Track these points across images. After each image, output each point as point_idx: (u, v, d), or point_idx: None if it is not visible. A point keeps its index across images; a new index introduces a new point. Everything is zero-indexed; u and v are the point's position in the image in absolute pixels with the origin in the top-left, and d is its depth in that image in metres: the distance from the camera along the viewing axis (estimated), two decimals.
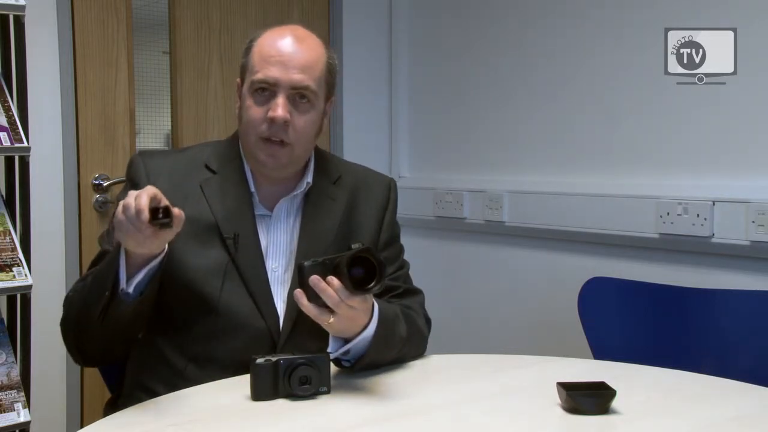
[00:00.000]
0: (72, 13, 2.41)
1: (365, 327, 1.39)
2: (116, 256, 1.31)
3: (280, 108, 1.46)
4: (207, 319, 1.46)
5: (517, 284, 2.60)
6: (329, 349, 1.38)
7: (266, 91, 1.48)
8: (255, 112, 1.48)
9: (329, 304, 1.30)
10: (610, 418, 1.24)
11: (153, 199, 1.25)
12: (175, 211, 1.24)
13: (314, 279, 1.29)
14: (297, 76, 1.47)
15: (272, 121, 1.46)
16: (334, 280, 1.29)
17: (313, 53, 1.50)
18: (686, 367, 1.52)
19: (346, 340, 1.40)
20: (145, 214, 1.22)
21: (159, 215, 1.22)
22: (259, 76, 1.47)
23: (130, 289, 1.33)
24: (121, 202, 1.25)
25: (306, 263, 1.32)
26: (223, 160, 1.56)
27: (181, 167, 1.55)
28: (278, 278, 1.53)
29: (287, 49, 1.48)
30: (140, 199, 1.23)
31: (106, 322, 1.36)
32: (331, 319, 1.31)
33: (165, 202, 1.26)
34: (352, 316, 1.33)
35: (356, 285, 1.28)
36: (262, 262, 1.51)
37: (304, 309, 1.32)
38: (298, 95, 1.48)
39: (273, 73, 1.46)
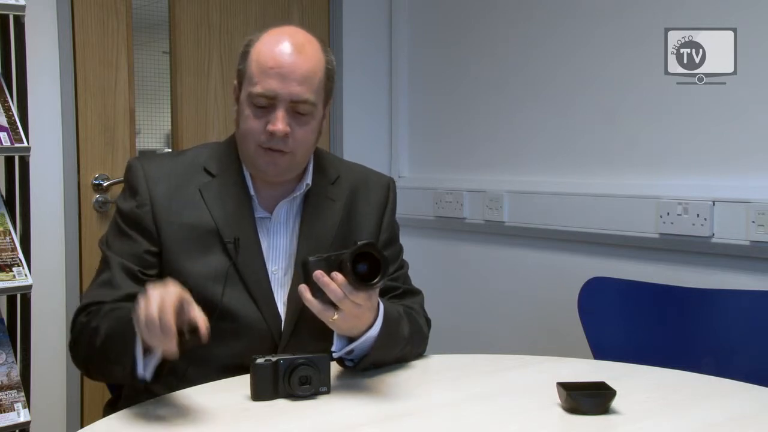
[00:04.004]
0: (72, 13, 2.41)
1: (370, 326, 1.39)
2: (133, 344, 1.25)
3: (279, 122, 1.45)
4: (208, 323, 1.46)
5: (517, 284, 2.60)
6: (333, 348, 1.38)
7: (265, 103, 1.46)
8: (254, 123, 1.47)
9: (333, 299, 1.29)
10: (610, 418, 1.24)
11: (178, 304, 1.18)
12: (202, 328, 1.18)
13: (318, 274, 1.28)
14: (296, 89, 1.45)
15: (272, 134, 1.45)
16: (338, 276, 1.28)
17: (312, 62, 1.48)
18: (686, 367, 1.52)
19: (350, 340, 1.39)
20: (173, 333, 1.16)
21: (185, 336, 1.17)
22: (258, 89, 1.45)
23: (147, 374, 1.28)
24: (143, 311, 1.17)
25: (311, 258, 1.31)
26: (221, 163, 1.55)
27: (179, 171, 1.53)
28: (278, 281, 1.53)
29: (286, 59, 1.45)
30: (165, 316, 1.15)
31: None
32: (335, 316, 1.31)
33: (192, 311, 1.20)
34: (357, 314, 1.33)
35: (360, 280, 1.28)
36: (263, 265, 1.51)
37: (307, 304, 1.31)
38: (297, 107, 1.47)
39: (272, 86, 1.44)
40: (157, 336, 1.17)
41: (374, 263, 1.29)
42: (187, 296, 1.22)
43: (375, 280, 1.28)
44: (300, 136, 1.48)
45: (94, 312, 1.41)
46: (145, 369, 1.27)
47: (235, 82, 1.54)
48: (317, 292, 1.30)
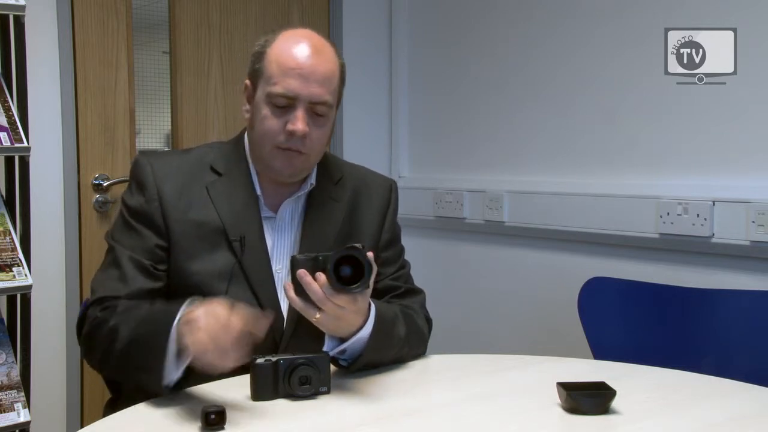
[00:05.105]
0: (72, 13, 2.41)
1: (361, 327, 1.39)
2: (163, 352, 1.26)
3: (299, 122, 1.45)
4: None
5: (517, 284, 2.60)
6: (325, 348, 1.38)
7: (284, 102, 1.47)
8: (272, 123, 1.47)
9: (313, 299, 1.30)
10: (610, 418, 1.24)
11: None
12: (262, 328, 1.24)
13: (300, 273, 1.30)
14: (317, 91, 1.46)
15: (291, 134, 1.46)
16: (321, 276, 1.29)
17: (331, 65, 1.49)
18: (686, 367, 1.51)
19: (342, 340, 1.40)
20: (240, 353, 1.20)
21: (211, 417, 1.17)
22: (278, 89, 1.46)
23: (173, 381, 1.30)
24: (211, 328, 1.20)
25: (299, 256, 1.33)
26: (228, 162, 1.56)
27: (186, 169, 1.54)
28: (281, 280, 1.53)
29: (306, 61, 1.46)
30: (234, 335, 1.20)
31: None
32: (318, 315, 1.32)
33: (258, 326, 1.24)
34: (340, 315, 1.33)
35: (343, 283, 1.28)
36: (268, 264, 1.51)
37: (290, 301, 1.33)
38: (315, 108, 1.48)
39: (293, 86, 1.45)
40: (224, 353, 1.19)
41: (360, 267, 1.29)
42: (251, 311, 1.25)
43: (355, 285, 1.28)
44: (316, 137, 1.49)
45: (111, 308, 1.40)
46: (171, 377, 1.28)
47: (248, 82, 1.55)
48: (301, 290, 1.31)
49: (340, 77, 1.53)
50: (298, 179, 1.55)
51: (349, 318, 1.36)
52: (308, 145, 1.48)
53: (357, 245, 1.30)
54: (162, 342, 1.25)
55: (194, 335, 1.21)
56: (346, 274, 1.29)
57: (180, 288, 1.46)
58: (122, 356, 1.33)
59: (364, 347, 1.40)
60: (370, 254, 1.32)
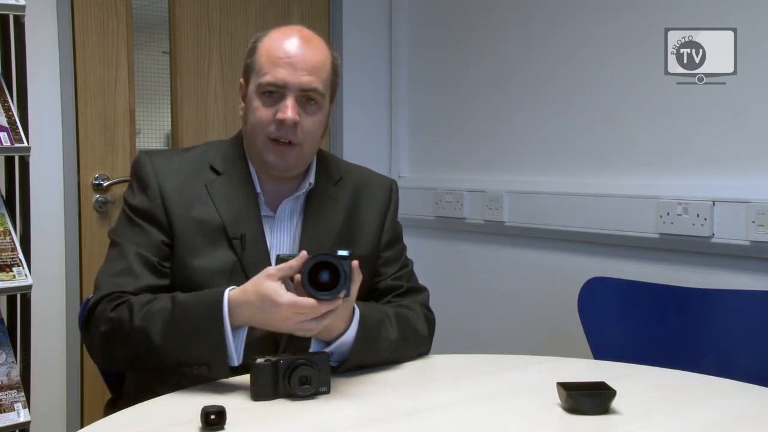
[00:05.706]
0: (72, 13, 2.41)
1: (345, 331, 1.40)
2: (221, 340, 1.32)
3: (289, 110, 1.46)
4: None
5: (517, 284, 2.60)
6: (311, 350, 1.39)
7: (274, 92, 1.48)
8: (263, 113, 1.48)
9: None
10: (610, 418, 1.24)
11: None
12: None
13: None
14: (306, 78, 1.47)
15: (281, 122, 1.46)
16: (298, 277, 1.30)
17: (321, 55, 1.51)
18: (686, 367, 1.51)
19: (328, 343, 1.40)
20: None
21: (211, 417, 1.17)
22: (268, 78, 1.47)
23: (240, 359, 1.35)
24: (298, 308, 1.28)
25: (283, 255, 1.34)
26: (227, 161, 1.56)
27: (186, 168, 1.54)
28: None
29: (295, 50, 1.47)
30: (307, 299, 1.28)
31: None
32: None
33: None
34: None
35: (319, 289, 1.28)
36: (268, 262, 1.51)
37: None
38: (305, 97, 1.48)
39: (282, 75, 1.46)
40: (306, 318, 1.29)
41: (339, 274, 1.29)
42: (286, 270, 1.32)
43: (325, 292, 1.28)
44: (308, 126, 1.49)
45: (124, 304, 1.39)
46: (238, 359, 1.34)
47: (241, 79, 1.56)
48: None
49: (332, 69, 1.53)
50: (294, 173, 1.55)
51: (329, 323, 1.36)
52: (300, 135, 1.48)
53: (343, 253, 1.29)
54: (211, 331, 1.32)
55: (256, 317, 1.32)
56: (325, 280, 1.28)
57: (182, 284, 1.46)
58: (164, 354, 1.35)
59: (350, 350, 1.41)
60: (355, 263, 1.31)
